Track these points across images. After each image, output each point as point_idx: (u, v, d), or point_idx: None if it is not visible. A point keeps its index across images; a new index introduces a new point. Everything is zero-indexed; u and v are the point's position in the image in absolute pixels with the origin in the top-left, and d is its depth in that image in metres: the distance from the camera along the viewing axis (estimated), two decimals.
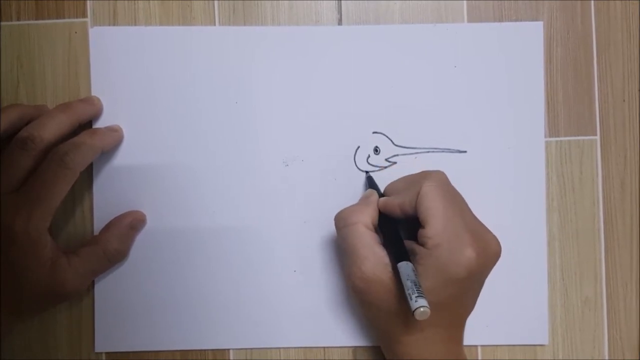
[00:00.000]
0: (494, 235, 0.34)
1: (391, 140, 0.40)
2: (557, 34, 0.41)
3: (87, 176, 0.40)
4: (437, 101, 0.41)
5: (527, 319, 0.40)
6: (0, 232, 0.33)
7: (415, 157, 0.40)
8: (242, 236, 0.40)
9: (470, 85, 0.41)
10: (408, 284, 0.31)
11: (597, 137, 0.41)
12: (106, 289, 0.40)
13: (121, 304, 0.40)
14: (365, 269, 0.33)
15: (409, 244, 0.34)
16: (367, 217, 0.35)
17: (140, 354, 0.40)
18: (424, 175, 0.35)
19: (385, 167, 0.40)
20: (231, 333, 0.40)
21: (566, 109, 0.41)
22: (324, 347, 0.40)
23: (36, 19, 0.40)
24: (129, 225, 0.39)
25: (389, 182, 0.40)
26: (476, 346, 0.41)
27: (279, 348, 0.40)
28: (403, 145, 0.40)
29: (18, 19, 0.40)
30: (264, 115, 0.40)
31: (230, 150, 0.40)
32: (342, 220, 0.35)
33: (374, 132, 0.40)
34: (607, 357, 0.41)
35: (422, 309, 0.29)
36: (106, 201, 0.40)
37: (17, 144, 0.34)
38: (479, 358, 0.41)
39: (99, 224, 0.40)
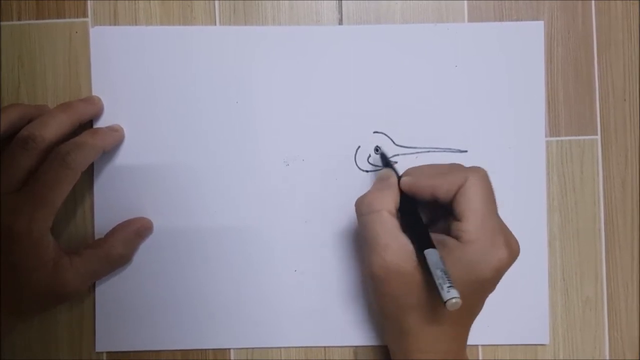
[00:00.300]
0: (515, 238, 0.34)
1: (392, 140, 0.40)
2: (558, 34, 0.41)
3: (88, 176, 0.40)
4: (437, 101, 0.41)
5: (528, 319, 0.40)
6: (2, 232, 0.33)
7: (416, 157, 0.40)
8: (242, 236, 0.40)
9: (471, 85, 0.41)
10: (438, 273, 0.30)
11: (598, 137, 0.41)
12: (107, 288, 0.40)
13: (122, 303, 0.40)
14: (388, 258, 0.32)
15: (436, 235, 0.34)
16: (391, 203, 0.34)
17: (141, 354, 0.40)
18: (469, 168, 0.35)
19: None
20: (232, 333, 0.40)
21: (567, 108, 0.41)
22: (325, 347, 0.40)
23: (37, 19, 0.40)
24: (135, 231, 0.39)
25: None
26: (477, 346, 0.41)
27: (280, 348, 0.40)
28: (404, 145, 0.40)
29: (19, 19, 0.40)
30: (265, 115, 0.40)
31: (231, 150, 0.40)
32: (365, 207, 0.34)
33: (374, 132, 0.40)
34: (607, 357, 0.41)
35: (454, 300, 0.29)
36: (107, 201, 0.40)
37: (17, 143, 0.34)
38: (480, 358, 0.41)
39: (99, 224, 0.40)
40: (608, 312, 0.41)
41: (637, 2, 0.41)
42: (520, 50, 0.41)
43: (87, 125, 0.39)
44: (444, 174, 0.35)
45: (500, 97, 0.41)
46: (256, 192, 0.40)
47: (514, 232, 0.40)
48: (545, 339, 0.41)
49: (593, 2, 0.41)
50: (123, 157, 0.40)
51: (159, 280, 0.40)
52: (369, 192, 0.36)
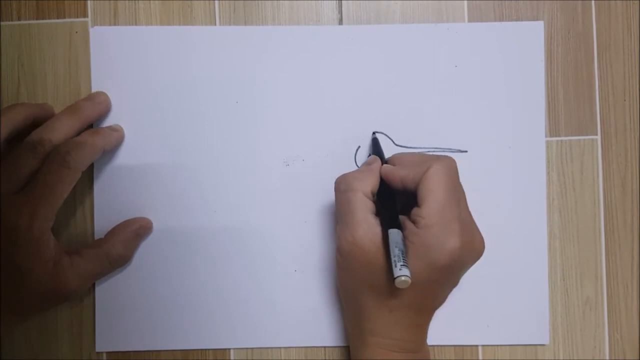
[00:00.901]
0: (481, 235, 0.35)
1: (392, 140, 0.40)
2: (558, 34, 0.41)
3: (88, 176, 0.40)
4: (437, 101, 0.41)
5: (528, 319, 0.40)
6: (4, 232, 0.33)
7: None
8: (242, 236, 0.40)
9: (471, 85, 0.41)
10: (395, 251, 0.31)
11: (598, 137, 0.41)
12: (107, 288, 0.40)
13: (122, 303, 0.40)
14: (357, 234, 0.33)
15: (401, 218, 0.34)
16: (368, 186, 0.35)
17: (141, 354, 0.40)
18: (436, 157, 0.35)
19: None
20: (232, 333, 0.40)
21: (567, 108, 0.41)
22: (325, 347, 0.40)
23: (37, 19, 0.40)
24: (135, 231, 0.39)
25: None
26: (477, 346, 0.41)
27: (280, 348, 0.40)
28: (404, 144, 0.40)
29: (19, 19, 0.40)
30: (265, 114, 0.40)
31: (231, 150, 0.40)
32: (343, 185, 0.35)
33: (374, 132, 0.40)
34: (607, 357, 0.41)
35: (403, 278, 0.30)
36: (107, 201, 0.40)
37: (26, 147, 0.35)
38: (480, 358, 0.41)
39: (99, 224, 0.40)
40: (608, 312, 0.41)
41: (637, 2, 0.41)
42: (520, 50, 0.41)
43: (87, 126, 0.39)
44: (414, 164, 0.35)
45: (500, 97, 0.41)
46: (256, 192, 0.40)
47: (514, 232, 0.40)
48: (545, 339, 0.41)
49: (593, 2, 0.41)
50: (123, 157, 0.40)
51: (159, 280, 0.40)
52: (350, 172, 0.36)
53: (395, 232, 0.32)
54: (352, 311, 0.36)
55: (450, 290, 0.36)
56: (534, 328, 0.40)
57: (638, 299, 0.41)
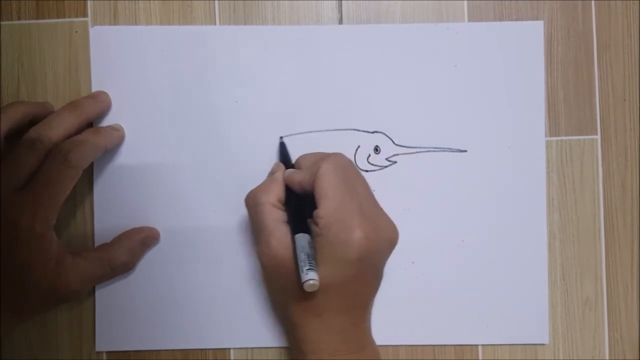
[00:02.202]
0: (390, 222, 0.35)
1: (391, 140, 0.40)
2: (558, 34, 0.41)
3: (88, 176, 0.40)
4: (437, 100, 0.41)
5: (528, 319, 0.40)
6: (5, 230, 0.33)
7: (416, 157, 0.40)
8: (242, 236, 0.40)
9: (471, 85, 0.41)
10: (302, 256, 0.31)
11: (598, 137, 0.41)
12: (107, 288, 0.40)
13: (122, 303, 0.40)
14: (272, 247, 0.33)
15: (309, 222, 0.34)
16: (273, 196, 0.35)
17: (141, 354, 0.40)
18: (323, 157, 0.35)
19: (386, 167, 0.40)
20: (232, 332, 0.40)
21: (567, 108, 0.41)
22: None
23: (37, 19, 0.40)
24: (141, 240, 0.39)
25: (390, 181, 0.40)
26: (477, 345, 0.41)
27: (280, 347, 0.40)
28: (403, 144, 0.40)
29: (19, 19, 0.40)
30: (265, 114, 0.40)
31: (231, 150, 0.40)
32: (251, 200, 0.35)
33: (374, 132, 0.40)
34: (607, 357, 0.41)
35: (311, 282, 0.30)
36: (107, 201, 0.40)
37: (25, 144, 0.34)
38: (480, 358, 0.41)
39: (99, 224, 0.40)
40: (608, 312, 0.41)
41: (637, 2, 0.41)
42: (520, 50, 0.41)
43: (88, 123, 0.39)
44: (309, 167, 0.35)
45: (500, 97, 0.41)
46: None
47: (514, 232, 0.40)
48: (545, 339, 0.41)
49: (593, 1, 0.41)
50: (123, 157, 0.40)
51: (159, 280, 0.40)
52: (257, 186, 0.36)
53: (300, 237, 0.32)
54: (284, 324, 0.36)
55: (377, 283, 0.35)
56: (534, 328, 0.40)
57: (638, 298, 0.41)
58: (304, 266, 0.30)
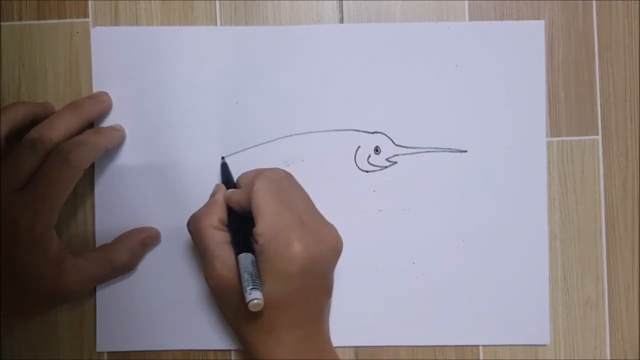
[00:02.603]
0: (332, 230, 0.35)
1: (392, 140, 0.40)
2: (559, 33, 0.41)
3: (89, 176, 0.40)
4: (438, 100, 0.41)
5: (529, 319, 0.40)
6: (5, 230, 0.33)
7: (416, 157, 0.40)
8: None
9: (471, 85, 0.41)
10: (245, 276, 0.31)
11: (599, 137, 0.41)
12: (108, 288, 0.40)
13: (123, 303, 0.40)
14: (216, 269, 0.33)
15: (252, 240, 0.34)
16: (214, 218, 0.35)
17: (141, 354, 0.40)
18: (257, 173, 0.35)
19: (386, 167, 0.40)
20: (233, 334, 0.40)
21: (568, 108, 0.41)
22: None
23: (38, 19, 0.41)
24: (141, 241, 0.39)
25: (390, 182, 0.40)
26: (477, 346, 0.41)
27: None
28: (404, 144, 0.40)
29: (20, 19, 0.41)
30: (264, 114, 0.40)
31: (231, 150, 0.40)
32: (192, 225, 0.35)
33: (374, 132, 0.40)
34: (609, 358, 0.41)
35: (255, 301, 0.30)
36: (107, 201, 0.40)
37: (26, 144, 0.35)
38: (480, 358, 0.41)
39: (100, 224, 0.40)
40: (609, 312, 0.41)
41: (638, 1, 0.41)
42: (520, 50, 0.41)
43: (88, 124, 0.40)
44: (245, 185, 0.35)
45: (500, 97, 0.41)
46: None
47: (514, 232, 0.40)
48: (546, 339, 0.40)
49: (594, 1, 0.41)
50: (124, 157, 0.40)
51: (160, 281, 0.40)
52: (198, 209, 0.36)
53: (243, 257, 0.32)
54: (241, 342, 0.35)
55: (326, 292, 0.35)
56: (535, 328, 0.40)
57: (639, 299, 0.41)
58: (247, 286, 0.30)
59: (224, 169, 0.40)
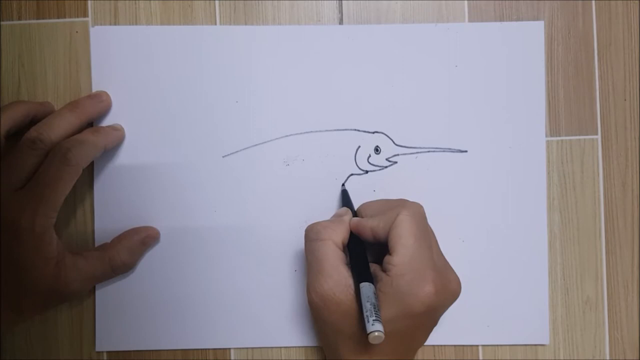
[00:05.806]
0: (456, 276, 0.35)
1: (392, 140, 0.40)
2: (558, 34, 0.41)
3: (88, 176, 0.40)
4: (438, 101, 0.41)
5: (528, 319, 0.40)
6: (5, 229, 0.33)
7: (416, 157, 0.40)
8: (242, 236, 0.40)
9: (471, 85, 0.41)
10: (367, 306, 0.30)
11: (598, 137, 0.41)
12: (107, 288, 0.40)
13: (122, 303, 0.40)
14: (326, 287, 0.33)
15: (373, 267, 0.34)
16: (339, 236, 0.35)
17: (141, 353, 0.40)
18: (403, 204, 0.35)
19: (386, 167, 0.40)
20: (232, 332, 0.40)
21: (567, 108, 0.41)
22: None
23: (37, 19, 0.40)
24: (141, 240, 0.39)
25: (391, 182, 0.40)
26: (477, 346, 0.41)
27: (280, 347, 0.40)
28: (404, 144, 0.40)
29: (19, 19, 0.40)
30: (265, 114, 0.40)
31: (231, 150, 0.40)
32: (313, 234, 0.35)
33: (374, 132, 0.40)
34: (608, 357, 0.41)
35: (376, 333, 0.29)
36: (107, 201, 0.40)
37: (25, 143, 0.35)
38: (480, 358, 0.41)
39: (99, 224, 0.40)
40: (608, 312, 0.41)
41: (638, 1, 0.41)
42: (520, 50, 0.41)
43: (88, 123, 0.39)
44: (382, 213, 0.35)
45: (500, 97, 0.41)
46: (256, 192, 0.40)
47: (514, 232, 0.40)
48: (545, 339, 0.41)
49: (593, 1, 0.41)
50: (123, 156, 0.40)
51: (159, 280, 0.40)
52: (321, 221, 0.36)
53: (366, 286, 0.32)
54: (330, 357, 0.36)
55: (429, 332, 0.35)
56: (534, 328, 0.40)
57: (638, 298, 0.41)
58: (370, 316, 0.30)
59: (345, 195, 0.40)
